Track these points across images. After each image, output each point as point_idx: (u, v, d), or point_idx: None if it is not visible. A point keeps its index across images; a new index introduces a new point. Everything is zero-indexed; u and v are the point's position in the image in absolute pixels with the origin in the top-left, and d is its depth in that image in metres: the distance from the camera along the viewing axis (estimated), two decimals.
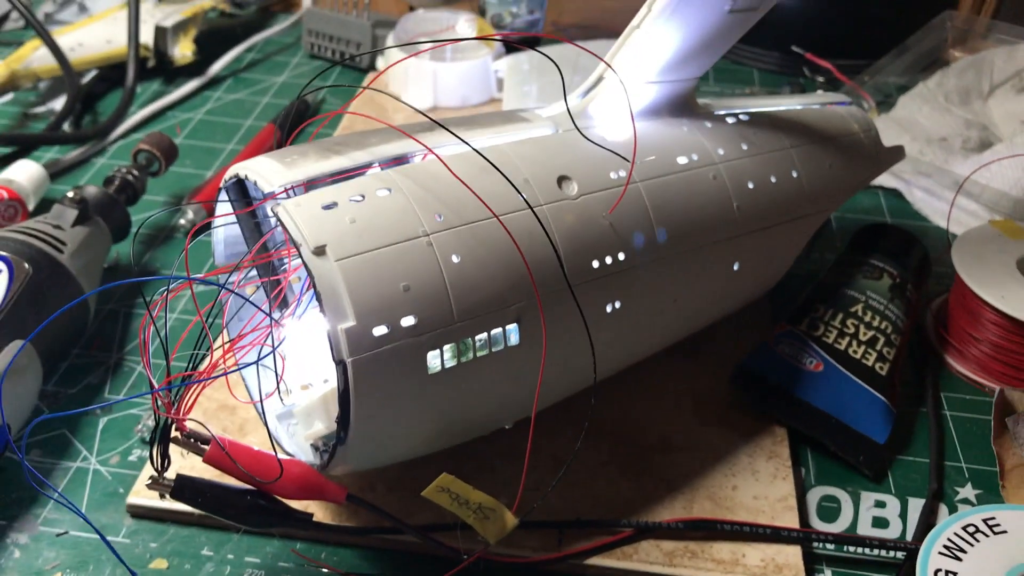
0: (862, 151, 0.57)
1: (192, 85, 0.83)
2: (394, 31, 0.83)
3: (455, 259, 0.38)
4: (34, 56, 0.78)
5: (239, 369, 0.37)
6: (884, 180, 0.74)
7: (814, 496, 0.48)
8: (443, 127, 0.40)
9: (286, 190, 0.39)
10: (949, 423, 0.53)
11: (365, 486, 0.46)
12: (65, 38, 0.81)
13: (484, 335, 0.39)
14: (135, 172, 0.61)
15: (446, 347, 0.38)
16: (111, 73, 0.82)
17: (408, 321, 0.37)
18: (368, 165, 0.40)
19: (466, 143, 0.40)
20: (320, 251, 0.36)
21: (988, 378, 0.55)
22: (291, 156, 0.40)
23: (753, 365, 0.52)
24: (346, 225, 0.37)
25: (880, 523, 0.47)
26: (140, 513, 0.45)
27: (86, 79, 0.81)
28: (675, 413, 0.51)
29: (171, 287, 0.36)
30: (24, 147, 0.70)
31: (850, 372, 0.52)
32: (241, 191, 0.43)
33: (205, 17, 0.88)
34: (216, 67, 0.85)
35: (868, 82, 0.83)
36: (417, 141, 0.40)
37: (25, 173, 0.63)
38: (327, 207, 0.37)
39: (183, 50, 0.83)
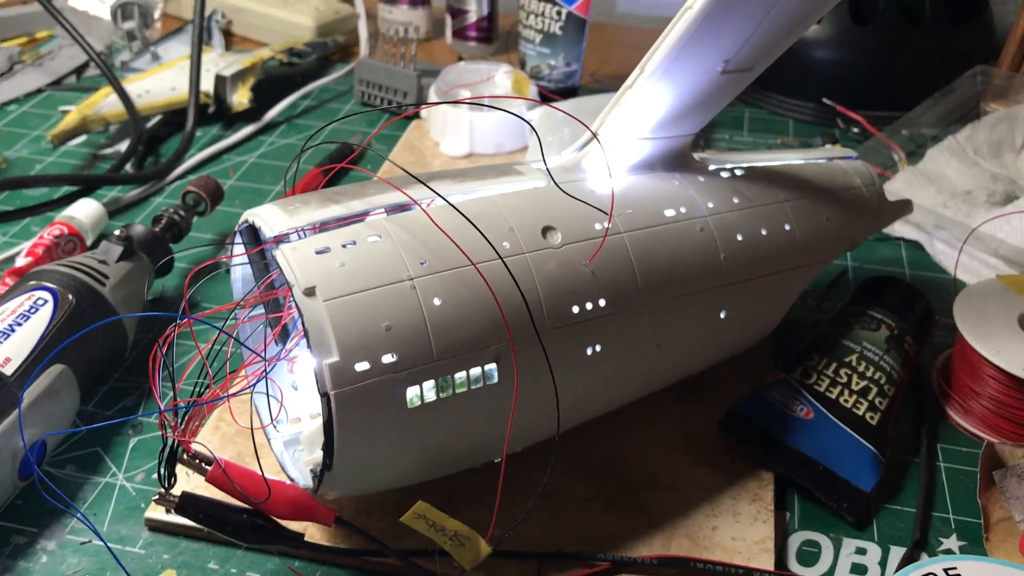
0: (863, 205, 0.58)
1: (248, 130, 0.88)
2: (435, 82, 0.88)
3: (436, 301, 0.41)
4: (105, 102, 0.85)
5: (231, 396, 0.41)
6: (905, 232, 0.75)
7: (796, 540, 0.50)
8: (421, 182, 0.44)
9: (296, 232, 0.43)
10: (942, 475, 0.54)
11: (362, 511, 0.49)
12: (134, 85, 0.88)
13: (463, 373, 0.42)
14: (181, 212, 0.66)
15: (426, 383, 0.41)
16: (175, 118, 0.88)
17: (389, 358, 0.40)
18: (364, 214, 0.44)
19: (442, 197, 0.43)
20: (310, 292, 0.39)
21: (990, 433, 0.55)
22: (294, 204, 0.44)
23: (744, 410, 0.54)
24: (336, 268, 0.40)
25: (859, 570, 0.48)
26: (156, 527, 0.49)
27: (151, 123, 0.87)
28: (667, 452, 0.53)
29: (178, 323, 0.40)
30: (88, 186, 0.76)
31: (840, 420, 0.53)
32: (254, 234, 0.47)
33: (264, 66, 0.94)
34: (271, 113, 0.91)
35: (904, 134, 0.83)
36: (404, 193, 0.43)
37: (84, 210, 0.69)
38: (320, 251, 0.41)
39: (240, 97, 0.89)
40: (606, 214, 0.46)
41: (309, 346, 0.39)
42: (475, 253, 0.42)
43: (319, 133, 0.89)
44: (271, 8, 1.09)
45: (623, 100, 0.48)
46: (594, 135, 0.48)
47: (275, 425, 0.47)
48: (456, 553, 0.43)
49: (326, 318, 0.39)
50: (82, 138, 0.86)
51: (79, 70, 0.99)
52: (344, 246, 0.41)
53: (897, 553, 0.49)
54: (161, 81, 0.90)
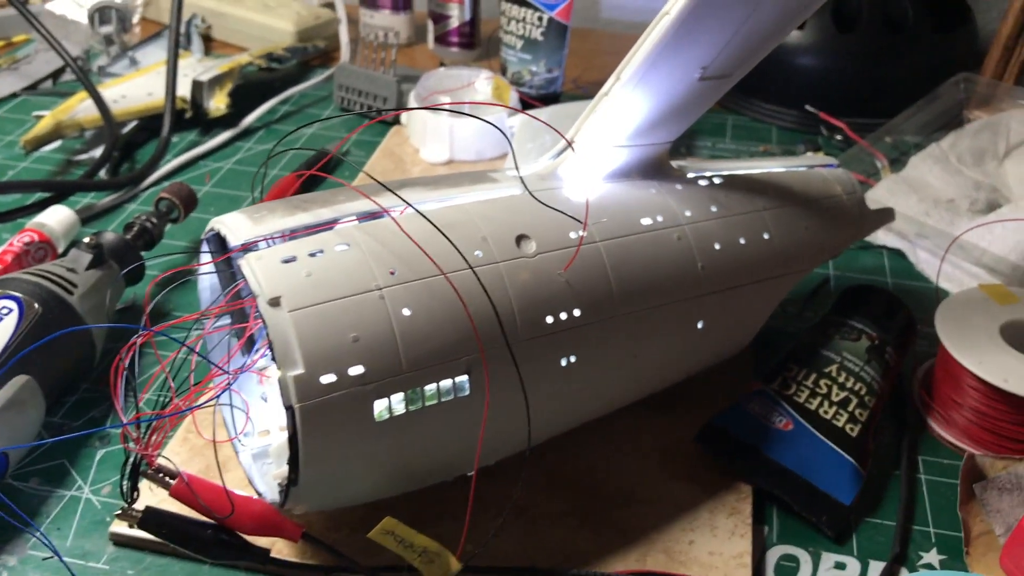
0: (844, 214, 0.57)
1: (225, 136, 0.87)
2: (415, 87, 0.87)
3: (406, 312, 0.40)
4: (80, 107, 0.84)
5: (195, 409, 0.40)
6: (888, 240, 0.74)
7: (774, 554, 0.49)
8: (389, 190, 0.43)
9: (265, 240, 0.42)
10: (923, 487, 0.53)
11: (331, 526, 0.48)
12: (111, 90, 0.87)
13: (434, 385, 0.41)
14: (153, 219, 0.65)
15: (394, 396, 0.40)
16: (151, 123, 0.87)
17: (356, 370, 0.39)
18: (333, 222, 0.43)
19: (411, 205, 0.42)
20: (275, 302, 0.38)
21: (972, 444, 0.55)
22: (261, 212, 0.43)
23: (722, 423, 0.53)
24: (302, 278, 0.39)
25: None
26: (121, 541, 0.48)
27: (127, 129, 0.86)
28: (642, 466, 0.52)
29: (140, 334, 0.39)
30: (60, 193, 0.75)
31: (819, 432, 0.52)
32: (221, 242, 0.46)
33: (242, 72, 0.93)
34: (249, 119, 0.90)
35: (887, 141, 0.83)
36: (373, 201, 0.42)
37: (56, 217, 0.68)
38: (286, 261, 0.40)
39: (217, 103, 0.88)
40: (581, 223, 0.46)
41: (274, 358, 0.38)
42: (447, 262, 0.41)
43: (291, 138, 0.88)
44: (251, 13, 1.08)
45: (599, 107, 0.47)
46: (569, 144, 0.48)
47: (240, 439, 0.46)
48: (426, 570, 0.42)
49: (291, 329, 0.38)
50: (56, 144, 0.85)
51: (55, 75, 0.98)
52: (311, 255, 0.40)
53: (877, 567, 0.48)
54: (138, 86, 0.89)
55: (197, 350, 0.41)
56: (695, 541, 0.48)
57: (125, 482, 0.41)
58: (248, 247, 0.41)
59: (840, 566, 0.48)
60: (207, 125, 0.90)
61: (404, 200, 0.42)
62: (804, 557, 0.49)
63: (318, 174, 0.55)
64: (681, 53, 0.45)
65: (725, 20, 0.44)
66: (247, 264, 0.40)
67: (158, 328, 0.40)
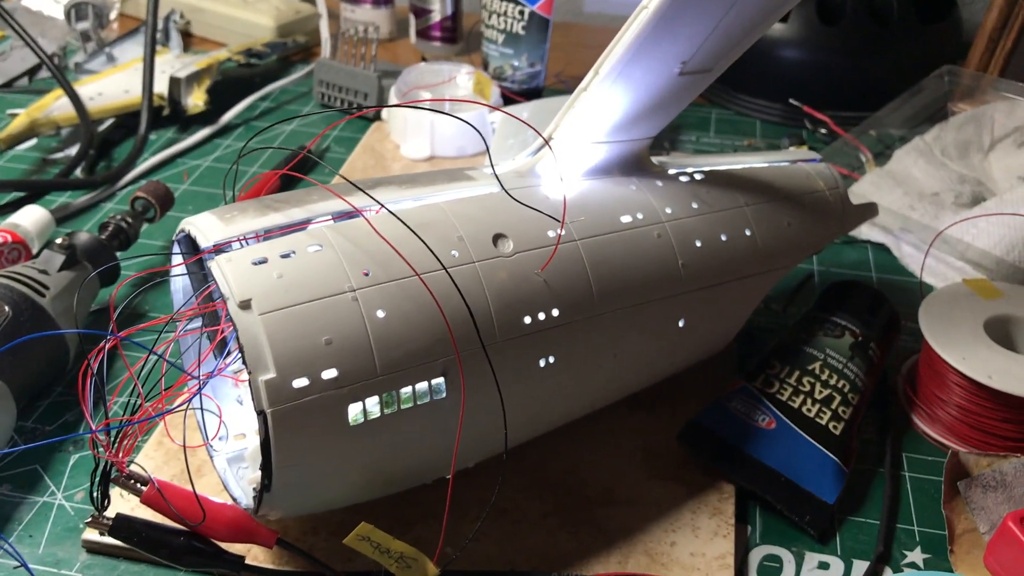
0: (827, 209, 0.57)
1: (204, 133, 0.86)
2: (396, 83, 0.86)
3: (380, 314, 0.39)
4: (55, 105, 0.83)
5: (165, 414, 0.39)
6: (872, 235, 0.74)
7: (757, 555, 0.48)
8: (361, 190, 0.42)
9: (239, 240, 0.41)
10: (907, 485, 0.53)
11: (308, 531, 0.47)
12: (87, 87, 0.86)
13: (409, 388, 0.40)
14: (129, 219, 0.64)
15: (369, 399, 0.39)
16: (128, 121, 0.86)
17: (329, 374, 0.38)
18: (306, 222, 0.42)
19: (383, 205, 0.41)
20: (245, 305, 0.38)
21: (956, 441, 0.54)
22: (231, 212, 0.42)
23: (704, 421, 0.52)
24: (273, 280, 0.38)
25: None
26: (94, 549, 0.47)
27: (103, 127, 0.84)
28: (625, 466, 0.52)
29: (108, 339, 0.38)
30: (35, 192, 0.74)
31: (802, 430, 0.52)
32: (193, 243, 0.45)
33: (221, 68, 0.92)
34: (228, 116, 0.89)
35: (872, 135, 0.83)
36: (345, 200, 0.42)
37: (30, 218, 0.67)
38: (257, 262, 0.39)
39: (195, 100, 0.87)
40: (559, 221, 0.45)
41: (244, 362, 0.37)
42: (422, 263, 0.41)
43: (269, 135, 0.87)
44: (230, 8, 1.06)
45: (578, 103, 0.47)
46: (546, 141, 0.47)
47: (211, 445, 0.45)
48: (403, 575, 0.41)
49: (262, 332, 0.37)
50: (31, 142, 0.84)
51: (31, 72, 0.96)
52: (283, 256, 0.39)
53: (860, 567, 0.48)
54: (115, 83, 0.88)
55: (168, 354, 0.41)
56: (677, 542, 0.47)
57: (95, 489, 0.40)
58: (220, 248, 0.41)
59: (824, 566, 0.48)
60: (185, 122, 0.89)
61: (376, 201, 0.41)
62: (787, 557, 0.48)
63: (293, 174, 0.54)
64: (660, 47, 0.44)
65: (705, 13, 0.43)
66: (217, 266, 0.39)
67: (126, 332, 0.39)
